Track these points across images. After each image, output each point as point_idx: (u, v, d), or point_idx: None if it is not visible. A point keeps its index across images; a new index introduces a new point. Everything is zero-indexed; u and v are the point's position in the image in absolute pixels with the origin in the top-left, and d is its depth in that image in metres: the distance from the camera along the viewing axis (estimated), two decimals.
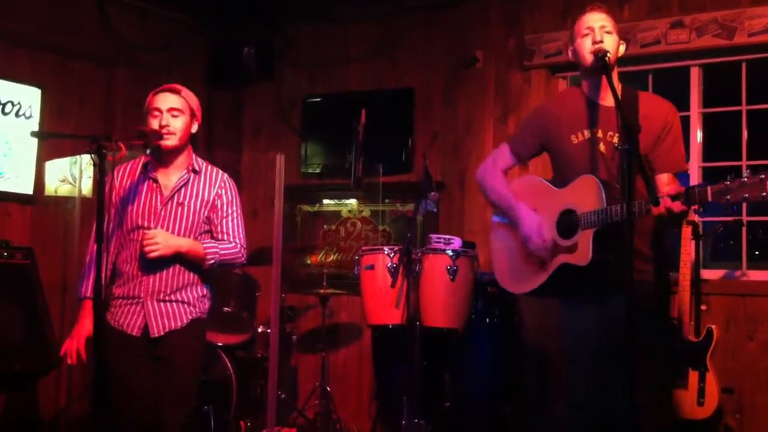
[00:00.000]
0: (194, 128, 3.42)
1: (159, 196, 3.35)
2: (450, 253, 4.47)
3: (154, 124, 3.29)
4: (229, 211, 3.44)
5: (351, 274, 5.04)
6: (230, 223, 3.44)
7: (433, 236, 4.71)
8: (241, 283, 5.09)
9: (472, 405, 4.71)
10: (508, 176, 3.42)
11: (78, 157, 5.15)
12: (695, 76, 4.88)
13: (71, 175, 5.23)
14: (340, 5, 5.87)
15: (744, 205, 4.60)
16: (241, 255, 3.46)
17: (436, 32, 5.63)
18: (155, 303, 3.30)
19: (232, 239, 3.42)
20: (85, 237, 4.86)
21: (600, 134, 3.08)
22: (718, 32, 4.64)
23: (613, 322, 2.89)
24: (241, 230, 3.47)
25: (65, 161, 5.21)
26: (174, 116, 3.31)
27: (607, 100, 3.08)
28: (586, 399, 3.03)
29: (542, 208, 3.18)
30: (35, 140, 5.03)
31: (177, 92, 3.37)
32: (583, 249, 2.95)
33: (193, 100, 3.43)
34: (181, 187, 3.37)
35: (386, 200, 5.68)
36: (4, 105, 4.91)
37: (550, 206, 3.13)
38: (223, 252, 3.38)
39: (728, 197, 2.64)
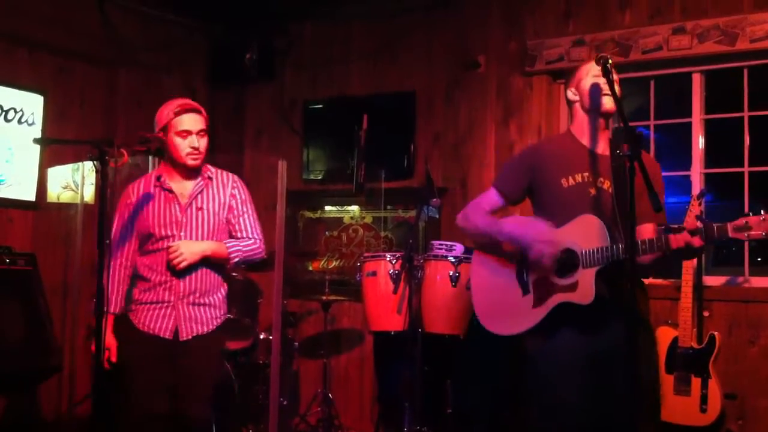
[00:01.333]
0: None
1: (177, 205, 3.45)
2: (452, 259, 4.47)
3: (183, 145, 3.40)
4: (244, 209, 3.56)
5: (353, 281, 5.04)
6: (246, 221, 3.56)
7: (435, 243, 4.71)
8: (244, 289, 5.09)
9: (473, 411, 4.71)
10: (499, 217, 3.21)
11: (80, 163, 5.16)
12: (697, 82, 4.88)
13: (73, 182, 5.24)
14: (341, 6, 5.87)
15: (746, 209, 4.65)
16: (261, 249, 3.59)
17: (438, 35, 5.63)
18: (186, 306, 3.42)
19: (250, 235, 3.55)
20: (88, 243, 4.89)
21: (591, 179, 3.02)
22: (719, 38, 4.64)
23: (605, 354, 2.87)
24: (257, 226, 3.60)
25: (67, 168, 5.22)
26: (201, 137, 3.45)
27: (600, 147, 3.05)
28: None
29: None
30: (38, 147, 5.04)
31: (200, 112, 3.47)
32: (586, 288, 2.86)
33: (206, 115, 3.53)
34: (198, 194, 3.47)
35: (388, 206, 5.68)
36: (6, 112, 4.92)
37: None
38: (245, 249, 3.52)
39: (749, 234, 2.62)
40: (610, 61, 2.93)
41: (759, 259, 5.44)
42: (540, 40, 5.20)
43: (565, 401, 2.94)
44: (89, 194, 5.21)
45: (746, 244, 4.62)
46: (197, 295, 3.43)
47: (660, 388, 3.28)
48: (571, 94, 3.11)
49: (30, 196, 5.06)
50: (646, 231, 2.94)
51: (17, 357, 4.39)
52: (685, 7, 4.79)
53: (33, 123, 5.04)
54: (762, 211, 2.62)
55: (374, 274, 4.59)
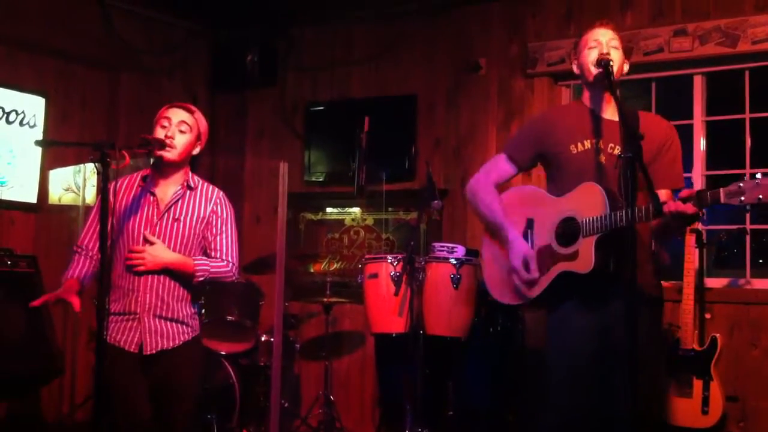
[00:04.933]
0: (196, 150, 3.41)
1: (156, 210, 3.31)
2: (453, 261, 4.47)
3: (160, 133, 3.28)
4: (223, 229, 3.41)
5: (354, 282, 5.04)
6: (223, 241, 3.40)
7: (437, 244, 4.70)
8: (245, 291, 5.08)
9: (474, 413, 4.71)
10: (505, 187, 3.31)
11: (81, 165, 5.17)
12: (698, 84, 4.88)
13: (75, 184, 5.25)
14: (342, 9, 5.87)
15: (747, 213, 4.65)
16: (231, 273, 3.43)
17: (439, 38, 5.64)
18: (152, 319, 3.27)
19: (224, 257, 3.39)
20: None
21: (601, 145, 3.04)
22: (721, 40, 4.64)
23: (608, 327, 2.89)
24: (233, 248, 3.43)
25: (69, 170, 5.23)
26: (181, 131, 3.31)
27: (609, 113, 3.07)
28: (574, 404, 2.98)
29: (540, 216, 3.11)
30: (39, 149, 5.04)
31: (190, 111, 3.38)
32: (585, 256, 2.89)
33: (203, 123, 3.42)
34: (176, 202, 3.33)
35: (389, 208, 5.68)
36: (8, 114, 4.93)
37: (549, 214, 3.06)
38: (213, 270, 3.36)
39: (742, 198, 2.60)
40: (611, 63, 2.95)
41: (761, 261, 5.43)
42: (541, 42, 5.20)
43: (561, 378, 2.99)
44: (91, 196, 5.21)
45: (748, 229, 4.64)
46: (162, 307, 3.28)
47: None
48: (575, 68, 3.18)
49: (31, 198, 5.06)
50: (659, 197, 2.94)
51: (19, 360, 4.40)
52: (687, 8, 4.79)
53: (35, 125, 5.05)
54: (758, 175, 2.58)
55: (375, 276, 4.58)
